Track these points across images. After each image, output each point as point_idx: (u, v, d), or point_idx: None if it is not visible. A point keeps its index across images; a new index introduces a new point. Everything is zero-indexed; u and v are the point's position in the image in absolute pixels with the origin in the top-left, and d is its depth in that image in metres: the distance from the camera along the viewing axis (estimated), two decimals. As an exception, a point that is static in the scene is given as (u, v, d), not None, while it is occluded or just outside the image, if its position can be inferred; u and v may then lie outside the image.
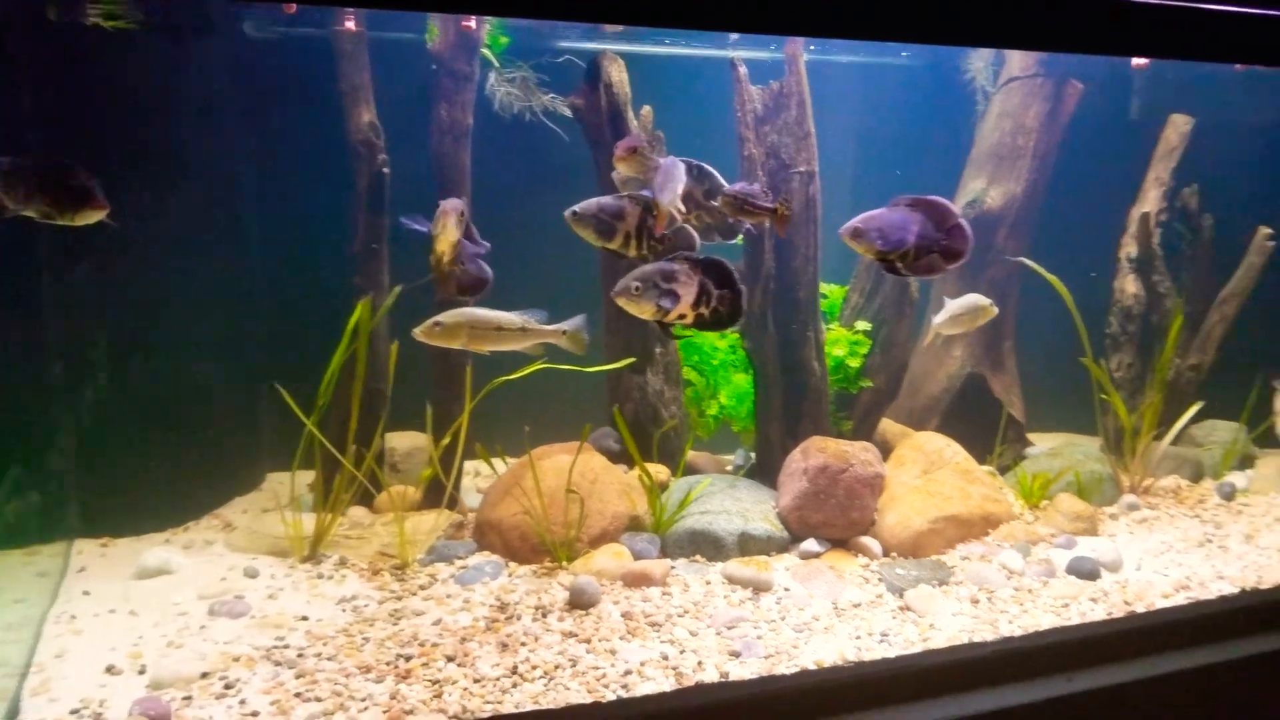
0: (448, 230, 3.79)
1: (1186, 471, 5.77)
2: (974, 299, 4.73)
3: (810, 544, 4.43)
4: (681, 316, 3.55)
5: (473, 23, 4.41)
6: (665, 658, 3.39)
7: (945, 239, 3.43)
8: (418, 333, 3.82)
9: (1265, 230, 5.79)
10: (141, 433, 4.46)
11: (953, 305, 4.71)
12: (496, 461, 4.65)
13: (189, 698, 3.03)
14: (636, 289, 3.48)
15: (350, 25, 4.32)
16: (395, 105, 4.51)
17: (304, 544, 4.20)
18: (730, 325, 3.71)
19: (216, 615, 3.62)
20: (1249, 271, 5.85)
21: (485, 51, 4.60)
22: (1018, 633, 3.64)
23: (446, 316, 3.81)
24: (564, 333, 3.95)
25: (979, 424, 5.70)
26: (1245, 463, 6.00)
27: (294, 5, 4.18)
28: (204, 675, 3.15)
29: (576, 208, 3.64)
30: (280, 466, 5.22)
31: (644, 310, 3.50)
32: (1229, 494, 5.50)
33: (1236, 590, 4.12)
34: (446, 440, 4.41)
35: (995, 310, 4.78)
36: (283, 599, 3.81)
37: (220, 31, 4.55)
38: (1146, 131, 6.00)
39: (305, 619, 3.62)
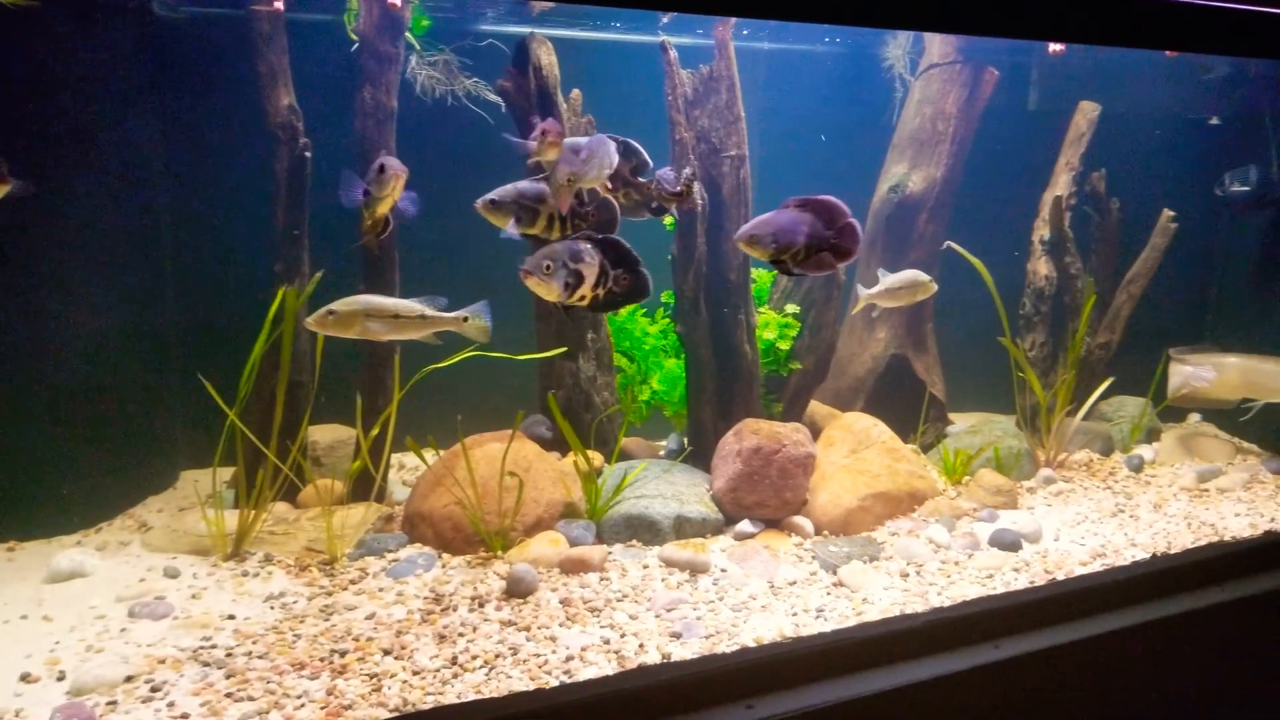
0: (395, 193, 3.68)
1: (1098, 445, 5.97)
2: (913, 274, 4.82)
3: (745, 525, 4.45)
4: (582, 297, 3.51)
5: (398, 1, 4.30)
6: (606, 642, 3.38)
7: (835, 238, 3.46)
8: (310, 322, 3.69)
9: (1168, 213, 5.99)
10: (47, 430, 4.25)
11: (891, 279, 4.79)
12: (427, 452, 4.56)
13: (114, 703, 2.91)
14: (548, 268, 3.41)
15: (278, 4, 4.16)
16: (316, 88, 4.38)
17: (226, 541, 4.06)
18: (626, 305, 3.69)
19: (137, 617, 3.47)
20: (1154, 253, 6.04)
21: (407, 35, 4.49)
22: (946, 604, 3.73)
23: (341, 305, 3.69)
24: (464, 319, 3.86)
25: (903, 404, 5.81)
26: (1152, 436, 6.21)
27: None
28: (128, 679, 3.03)
29: (493, 195, 3.56)
30: (195, 463, 5.04)
31: (550, 291, 3.43)
32: (1138, 466, 5.70)
33: (1147, 556, 4.30)
34: (375, 431, 4.31)
35: (934, 287, 4.90)
36: (207, 598, 3.67)
37: (127, 11, 4.34)
38: (1057, 117, 6.15)
39: (232, 618, 3.50)
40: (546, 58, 4.55)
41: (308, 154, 4.22)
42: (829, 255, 3.47)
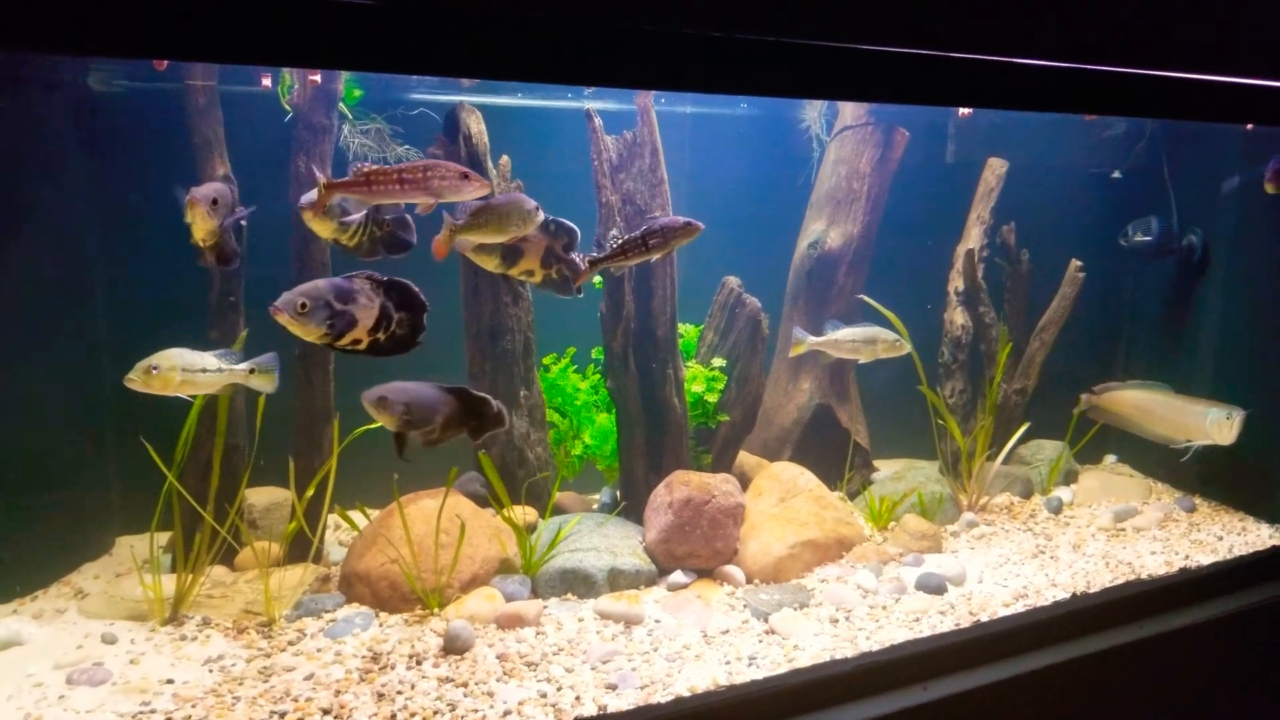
0: (198, 221, 3.80)
1: (1018, 488, 6.15)
2: (879, 332, 5.07)
3: (678, 575, 4.55)
4: (356, 341, 3.28)
5: (318, 79, 4.44)
6: (543, 695, 3.44)
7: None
8: (131, 380, 3.69)
9: (1076, 263, 6.24)
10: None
11: (857, 331, 5.05)
12: (357, 515, 4.61)
13: (51, 772, 2.91)
14: (303, 307, 3.10)
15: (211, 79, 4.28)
16: (250, 159, 4.47)
17: (164, 606, 4.06)
18: (407, 349, 3.45)
19: (75, 684, 3.47)
20: (1064, 300, 6.28)
21: (340, 105, 4.62)
22: (875, 648, 3.82)
23: (160, 358, 3.72)
24: (250, 371, 3.91)
25: (828, 452, 5.98)
26: (1069, 478, 6.41)
27: (164, 62, 4.11)
28: (66, 747, 3.04)
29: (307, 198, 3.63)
30: (129, 529, 5.02)
31: (309, 332, 3.16)
32: (1056, 508, 5.89)
33: (1068, 596, 4.41)
34: (310, 493, 4.36)
35: (907, 347, 5.21)
36: (145, 663, 3.67)
37: (62, 85, 4.41)
38: (967, 174, 6.40)
39: (171, 682, 3.51)
40: (476, 126, 4.70)
41: (243, 223, 4.30)
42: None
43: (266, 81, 4.58)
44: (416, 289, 3.39)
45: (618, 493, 5.27)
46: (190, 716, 3.24)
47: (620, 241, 4.01)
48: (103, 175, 4.62)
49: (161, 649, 3.81)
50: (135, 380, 3.69)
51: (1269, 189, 5.20)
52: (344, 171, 3.47)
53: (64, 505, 4.61)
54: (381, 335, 3.31)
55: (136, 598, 4.12)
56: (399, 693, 3.43)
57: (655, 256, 4.06)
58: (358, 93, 4.78)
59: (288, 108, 4.53)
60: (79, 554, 4.73)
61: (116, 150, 4.66)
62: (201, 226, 3.80)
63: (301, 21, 2.18)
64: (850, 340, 5.25)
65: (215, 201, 3.82)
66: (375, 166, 3.51)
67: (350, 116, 4.81)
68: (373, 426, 4.26)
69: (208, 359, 3.83)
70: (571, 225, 3.93)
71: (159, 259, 4.55)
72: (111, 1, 2.03)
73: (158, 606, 4.06)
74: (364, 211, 3.82)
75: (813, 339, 5.26)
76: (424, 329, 3.43)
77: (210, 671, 3.61)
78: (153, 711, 3.28)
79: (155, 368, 3.70)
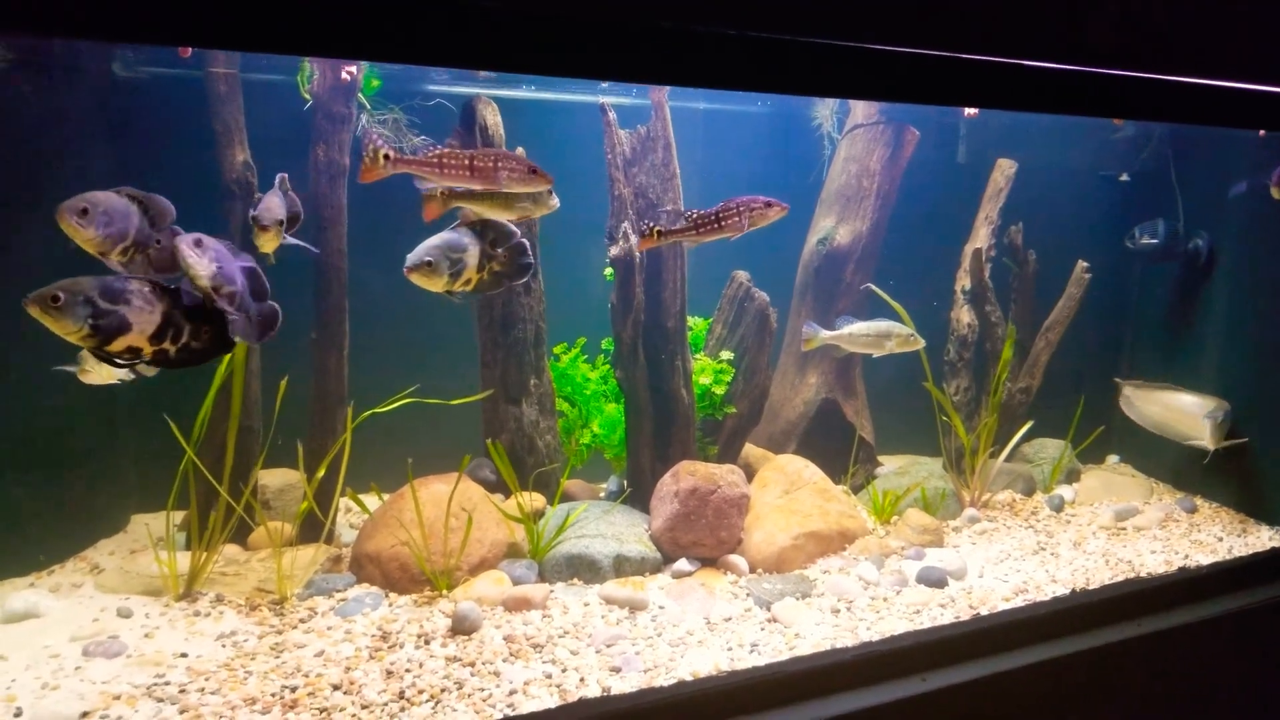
0: (267, 240, 3.89)
1: (1020, 486, 6.19)
2: (892, 326, 5.15)
3: (682, 563, 4.63)
4: (136, 350, 2.95)
5: (353, 70, 4.50)
6: (548, 676, 3.51)
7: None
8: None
9: (1082, 264, 6.29)
10: (3, 473, 4.32)
11: (870, 326, 5.11)
12: (370, 498, 4.69)
13: (70, 738, 3.00)
14: (54, 300, 2.78)
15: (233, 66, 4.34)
16: (269, 146, 4.55)
17: (178, 582, 4.15)
18: (206, 360, 3.15)
19: (92, 656, 3.55)
20: (1069, 301, 6.33)
21: (358, 95, 4.69)
22: (876, 638, 3.88)
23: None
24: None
25: (833, 446, 6.03)
26: (1072, 476, 6.45)
27: (188, 50, 4.19)
28: (84, 715, 3.12)
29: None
30: (145, 507, 5.11)
31: (65, 329, 2.82)
32: (1058, 505, 5.93)
33: (1067, 592, 4.46)
34: (321, 474, 4.44)
35: (921, 342, 5.25)
36: (160, 637, 3.76)
37: (87, 71, 4.49)
38: (976, 174, 6.43)
39: (185, 656, 3.59)
40: (492, 118, 4.77)
41: (298, 210, 4.38)
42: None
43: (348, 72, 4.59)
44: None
45: (624, 481, 5.34)
46: (203, 689, 3.32)
47: (694, 217, 4.04)
48: (124, 159, 4.68)
49: (176, 624, 3.89)
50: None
51: (1275, 194, 5.24)
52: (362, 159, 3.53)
53: (81, 482, 4.70)
54: (169, 346, 3.00)
55: (152, 574, 4.21)
56: (407, 670, 3.51)
57: (729, 235, 4.07)
58: (376, 83, 4.85)
59: (307, 96, 4.60)
60: (95, 530, 4.82)
61: (138, 135, 4.73)
62: (269, 244, 3.89)
63: (322, 11, 2.24)
64: (864, 335, 5.30)
65: (281, 222, 3.89)
66: (447, 149, 3.57)
67: (368, 106, 4.88)
68: (382, 410, 4.35)
69: None
70: (501, 223, 3.91)
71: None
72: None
73: (172, 582, 4.14)
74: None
75: (825, 333, 5.32)
76: (230, 344, 3.16)
77: (223, 646, 3.69)
78: (167, 684, 3.36)
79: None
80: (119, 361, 2.97)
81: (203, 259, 3.05)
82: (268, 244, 3.87)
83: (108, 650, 3.58)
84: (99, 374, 3.86)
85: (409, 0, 2.30)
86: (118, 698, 3.24)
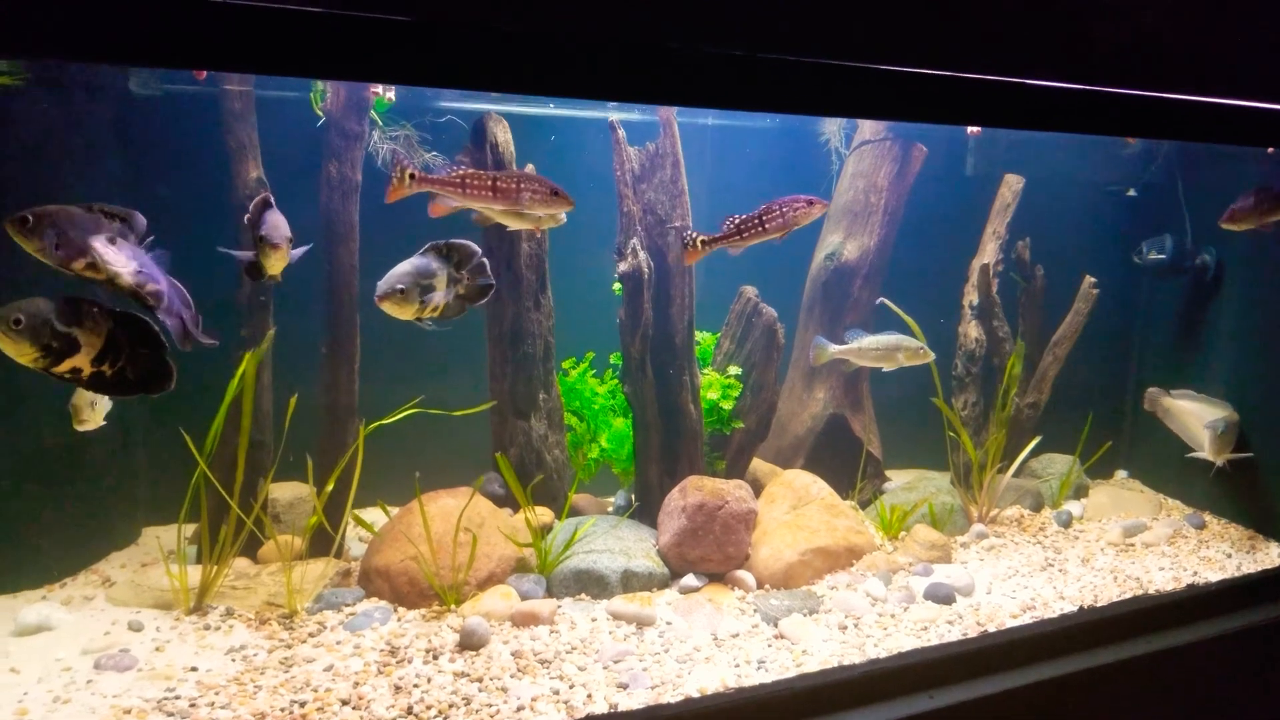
0: (275, 260, 3.93)
1: (1028, 502, 6.18)
2: (902, 340, 5.16)
3: (689, 579, 4.64)
4: (76, 370, 2.93)
5: (379, 90, 4.56)
6: (556, 693, 3.53)
7: None
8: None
9: (1090, 279, 6.29)
10: (13, 488, 4.35)
11: (880, 339, 5.11)
12: (376, 512, 4.71)
13: (81, 752, 3.02)
14: (16, 323, 2.76)
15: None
16: (281, 162, 4.59)
17: (189, 596, 4.17)
18: (142, 391, 3.10)
19: (103, 669, 3.58)
20: (1077, 317, 6.32)
21: (370, 112, 4.73)
22: (883, 655, 3.89)
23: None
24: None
25: (841, 461, 6.03)
26: (1080, 492, 6.44)
27: (203, 72, 4.24)
28: (96, 730, 3.15)
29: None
30: (155, 520, 5.14)
31: (22, 352, 2.80)
32: (1066, 521, 5.92)
33: (1075, 609, 4.46)
34: (330, 487, 4.46)
35: (931, 355, 5.25)
36: (170, 651, 3.78)
37: (105, 89, 4.54)
38: (983, 189, 6.45)
39: (195, 669, 3.62)
40: (503, 135, 4.80)
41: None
42: None
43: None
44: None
45: (632, 496, 5.36)
46: (213, 703, 3.35)
47: (737, 222, 4.08)
48: (138, 175, 4.73)
49: (186, 637, 3.91)
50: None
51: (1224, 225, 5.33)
52: (375, 176, 3.58)
53: (93, 496, 4.73)
54: (107, 368, 2.97)
55: (162, 587, 4.23)
56: (415, 686, 3.53)
57: (774, 237, 4.09)
58: (388, 100, 4.89)
59: (320, 113, 4.64)
60: (107, 543, 4.85)
61: (153, 151, 4.78)
62: (278, 265, 3.93)
63: (339, 35, 2.28)
64: (874, 348, 5.31)
65: (291, 239, 3.94)
66: (470, 170, 3.62)
67: (380, 123, 4.92)
68: (389, 421, 4.38)
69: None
70: (465, 243, 3.96)
71: (190, 257, 4.68)
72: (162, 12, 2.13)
73: (183, 596, 4.17)
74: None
75: (835, 347, 5.33)
76: (170, 372, 3.12)
77: (233, 660, 3.71)
78: (177, 697, 3.39)
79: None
80: (60, 379, 2.94)
81: (121, 255, 3.04)
82: (276, 264, 3.91)
83: (119, 664, 3.61)
84: (94, 419, 3.89)
85: (432, 25, 2.34)
86: (128, 712, 3.26)
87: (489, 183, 3.66)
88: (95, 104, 4.51)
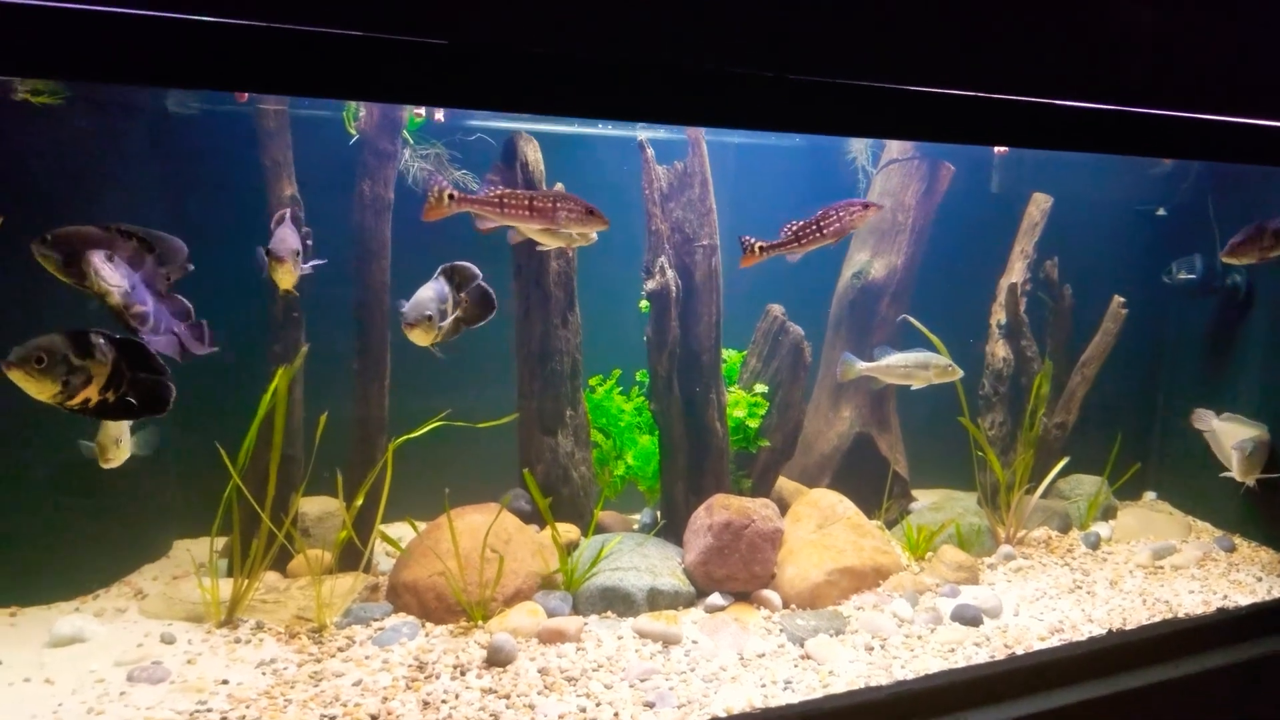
0: (284, 274, 3.99)
1: (1055, 523, 6.15)
2: (931, 357, 5.16)
3: (715, 598, 4.63)
4: (86, 401, 2.98)
5: (423, 112, 4.62)
6: (583, 710, 3.54)
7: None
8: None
9: (1119, 299, 6.25)
10: (49, 501, 4.41)
11: (909, 356, 5.11)
12: (403, 527, 4.74)
13: (115, 764, 3.06)
14: (39, 361, 2.83)
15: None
16: (315, 180, 4.65)
17: (220, 609, 4.22)
18: (142, 415, 3.15)
19: (136, 681, 3.63)
20: (1105, 337, 6.28)
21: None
22: (910, 676, 3.88)
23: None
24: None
25: (867, 480, 6.02)
26: (1108, 514, 6.40)
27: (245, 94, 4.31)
28: (129, 741, 3.18)
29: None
30: (186, 533, 5.19)
31: (44, 390, 2.86)
32: (1094, 543, 5.88)
33: (1104, 632, 4.43)
34: (359, 502, 4.50)
35: (959, 372, 5.25)
36: (201, 663, 3.83)
37: (142, 108, 4.63)
38: (1010, 207, 6.42)
39: (226, 682, 3.66)
40: (533, 154, 4.85)
41: (309, 242, 4.47)
42: None
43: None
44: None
45: (658, 513, 5.37)
46: (244, 716, 3.38)
47: (795, 228, 4.12)
48: (175, 192, 4.80)
49: (217, 650, 3.95)
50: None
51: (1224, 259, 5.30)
52: (406, 194, 3.63)
53: (125, 508, 4.79)
54: (110, 395, 3.01)
55: (193, 600, 4.28)
56: (444, 701, 3.55)
57: (830, 242, 4.15)
58: (419, 118, 4.95)
59: (353, 132, 4.70)
60: (139, 555, 4.91)
61: (189, 169, 4.85)
62: (287, 279, 3.98)
63: (375, 59, 2.32)
64: (902, 365, 5.30)
65: (298, 253, 4.02)
66: (507, 189, 3.68)
67: (411, 141, 4.97)
68: (414, 435, 4.41)
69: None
70: (466, 265, 4.03)
71: (224, 273, 4.75)
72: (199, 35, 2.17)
73: (214, 609, 4.21)
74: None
75: (863, 364, 5.33)
76: (168, 394, 3.14)
77: (263, 674, 3.75)
78: (209, 710, 3.42)
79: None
80: (71, 411, 3.00)
81: (115, 273, 3.10)
82: (285, 278, 3.96)
83: (152, 676, 3.65)
84: (119, 458, 3.94)
85: (470, 48, 2.37)
86: (162, 724, 3.31)
87: (526, 202, 3.73)
88: (133, 122, 4.59)
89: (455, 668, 3.84)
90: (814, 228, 4.10)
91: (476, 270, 4.02)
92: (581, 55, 2.54)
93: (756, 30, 2.74)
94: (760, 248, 4.13)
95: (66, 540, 4.46)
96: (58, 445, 4.42)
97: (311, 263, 4.16)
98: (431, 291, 3.85)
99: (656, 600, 4.54)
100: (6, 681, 3.61)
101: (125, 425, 3.84)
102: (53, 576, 4.41)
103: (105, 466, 3.91)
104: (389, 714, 3.43)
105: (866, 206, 4.11)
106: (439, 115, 4.76)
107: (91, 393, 2.96)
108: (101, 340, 2.97)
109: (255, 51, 2.21)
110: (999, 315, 6.30)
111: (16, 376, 2.81)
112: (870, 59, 2.90)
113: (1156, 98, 3.34)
